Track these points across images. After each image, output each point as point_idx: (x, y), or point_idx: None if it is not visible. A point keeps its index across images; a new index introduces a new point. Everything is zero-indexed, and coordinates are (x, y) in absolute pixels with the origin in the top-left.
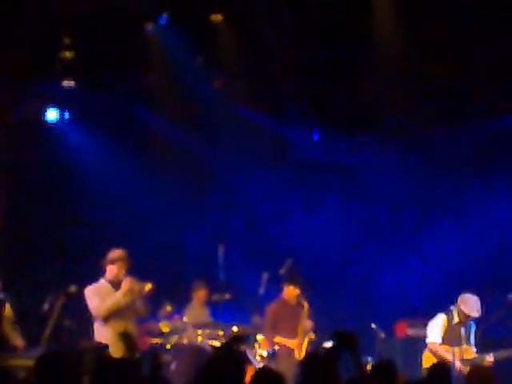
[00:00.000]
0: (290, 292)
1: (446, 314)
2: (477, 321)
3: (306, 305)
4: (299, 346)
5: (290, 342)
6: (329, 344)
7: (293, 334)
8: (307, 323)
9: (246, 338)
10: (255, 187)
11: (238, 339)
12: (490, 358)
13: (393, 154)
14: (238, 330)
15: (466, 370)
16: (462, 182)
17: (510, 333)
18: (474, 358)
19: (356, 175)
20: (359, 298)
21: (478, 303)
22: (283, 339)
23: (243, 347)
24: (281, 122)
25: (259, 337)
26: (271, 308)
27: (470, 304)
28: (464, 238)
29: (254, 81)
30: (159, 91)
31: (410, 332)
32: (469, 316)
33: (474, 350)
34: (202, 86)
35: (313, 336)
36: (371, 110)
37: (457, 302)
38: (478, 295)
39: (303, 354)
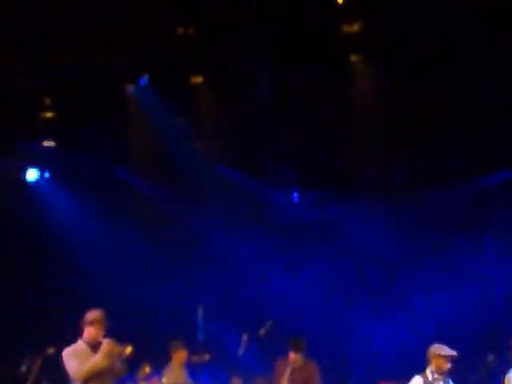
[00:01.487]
0: (292, 357)
1: (421, 375)
2: (455, 381)
3: (288, 373)
4: None
5: None
6: None
7: None
8: None
9: None
10: (237, 247)
11: None
12: None
13: (375, 214)
14: None
15: None
16: (446, 242)
17: None
18: None
19: (337, 235)
20: (339, 358)
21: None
22: None
23: None
24: (262, 183)
25: None
26: (276, 364)
27: (444, 348)
28: (446, 298)
29: (234, 142)
30: (140, 151)
31: None
32: (446, 368)
33: None
34: (183, 147)
35: None
36: (352, 171)
37: (429, 359)
38: (460, 356)
39: None
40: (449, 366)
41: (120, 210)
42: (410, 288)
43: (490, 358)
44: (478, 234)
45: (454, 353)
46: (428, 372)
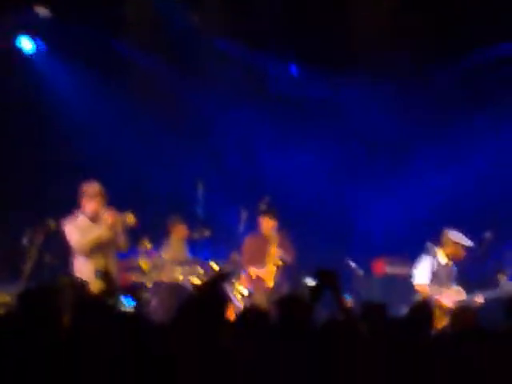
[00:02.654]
0: (266, 224)
1: (432, 255)
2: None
3: (274, 234)
4: (268, 275)
5: (261, 272)
6: (311, 282)
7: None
8: (275, 251)
9: (230, 276)
10: (233, 122)
11: (222, 277)
12: (479, 299)
13: (380, 90)
14: (222, 268)
15: None
16: (447, 117)
17: (485, 272)
18: (465, 299)
19: (335, 110)
20: (337, 234)
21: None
22: (256, 270)
23: (226, 284)
24: (259, 56)
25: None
26: (247, 240)
27: (462, 237)
28: (447, 174)
29: (232, 12)
30: (136, 23)
31: (389, 270)
32: (462, 257)
33: (462, 291)
34: (180, 18)
35: (279, 263)
36: (354, 45)
37: (441, 242)
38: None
39: (272, 282)
40: (464, 255)
41: (117, 83)
42: (411, 164)
43: (487, 235)
44: (492, 109)
45: (471, 243)
46: (439, 255)
